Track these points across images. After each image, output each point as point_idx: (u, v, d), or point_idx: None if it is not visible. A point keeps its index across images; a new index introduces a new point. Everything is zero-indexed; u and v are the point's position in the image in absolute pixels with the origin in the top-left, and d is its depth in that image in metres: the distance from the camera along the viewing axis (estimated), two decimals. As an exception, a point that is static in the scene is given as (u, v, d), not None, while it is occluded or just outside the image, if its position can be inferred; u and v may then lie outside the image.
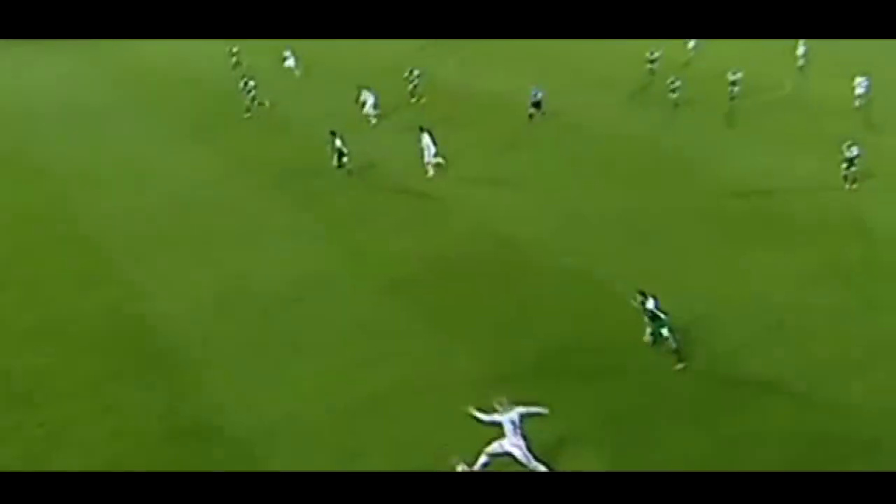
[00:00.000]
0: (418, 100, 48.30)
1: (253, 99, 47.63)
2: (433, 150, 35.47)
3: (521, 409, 17.44)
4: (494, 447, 17.51)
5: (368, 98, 44.88)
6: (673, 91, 45.32)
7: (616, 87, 49.08)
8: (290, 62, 56.80)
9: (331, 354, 23.03)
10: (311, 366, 22.59)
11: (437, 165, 35.64)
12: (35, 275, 28.80)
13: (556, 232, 30.04)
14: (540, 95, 43.70)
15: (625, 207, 31.82)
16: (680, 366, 21.59)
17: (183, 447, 19.64)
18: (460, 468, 17.90)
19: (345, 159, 35.90)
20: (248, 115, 46.95)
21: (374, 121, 44.00)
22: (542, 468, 17.49)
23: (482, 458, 17.63)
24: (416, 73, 49.05)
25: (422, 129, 36.24)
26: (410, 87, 48.66)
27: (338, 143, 35.86)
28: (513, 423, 17.37)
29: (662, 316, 21.83)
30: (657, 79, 48.79)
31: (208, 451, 19.43)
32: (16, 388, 22.15)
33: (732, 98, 45.18)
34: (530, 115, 43.31)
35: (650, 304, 21.98)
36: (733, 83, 45.80)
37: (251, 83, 47.82)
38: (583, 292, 25.54)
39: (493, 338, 23.40)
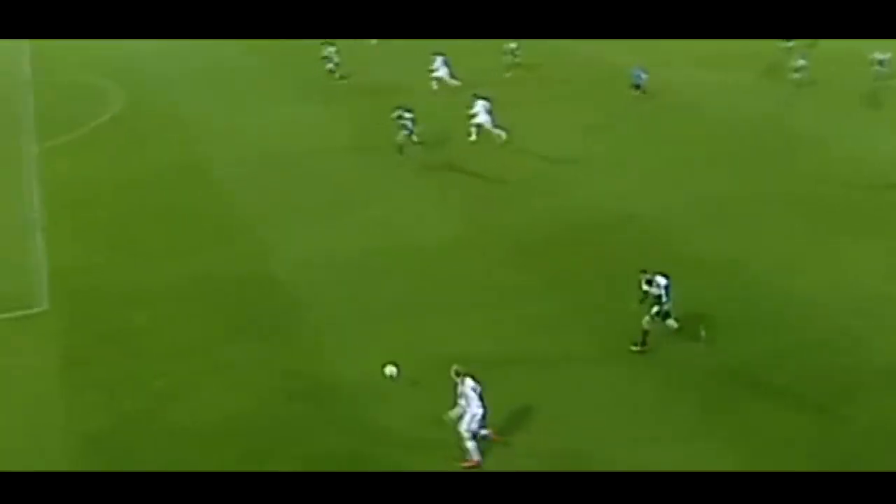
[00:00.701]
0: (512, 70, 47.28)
1: (332, 71, 47.51)
2: (488, 118, 35.73)
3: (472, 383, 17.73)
4: (471, 427, 17.72)
5: (441, 67, 44.37)
6: (797, 71, 43.40)
7: (733, 65, 47.48)
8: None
9: (453, 320, 23.30)
10: (431, 330, 22.81)
11: (476, 129, 36.06)
12: (170, 231, 29.88)
13: (667, 211, 29.51)
14: (644, 78, 42.42)
15: (737, 191, 30.91)
16: (634, 348, 21.34)
17: (300, 404, 20.14)
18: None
19: (413, 137, 35.03)
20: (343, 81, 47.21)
21: (455, 83, 43.53)
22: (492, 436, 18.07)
23: (469, 446, 17.78)
24: (512, 45, 47.52)
25: (476, 96, 36.61)
26: (509, 60, 47.53)
27: (407, 115, 34.95)
28: (472, 389, 17.71)
29: (665, 297, 21.04)
30: (780, 57, 47.05)
31: (325, 410, 19.87)
32: (139, 343, 22.92)
33: (877, 79, 42.28)
34: (635, 92, 42.38)
35: (662, 281, 21.10)
36: (880, 62, 42.68)
37: (331, 49, 47.51)
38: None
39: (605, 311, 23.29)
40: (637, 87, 42.37)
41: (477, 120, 35.93)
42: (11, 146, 38.30)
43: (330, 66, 47.64)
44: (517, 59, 47.29)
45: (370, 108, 41.04)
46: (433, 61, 44.31)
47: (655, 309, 21.12)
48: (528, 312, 23.54)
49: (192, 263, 27.24)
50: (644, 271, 21.30)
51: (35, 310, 24.77)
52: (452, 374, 17.96)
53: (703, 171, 32.99)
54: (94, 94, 46.34)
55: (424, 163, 34.60)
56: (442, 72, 44.17)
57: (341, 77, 47.24)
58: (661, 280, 21.13)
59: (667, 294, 21.09)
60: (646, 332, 21.25)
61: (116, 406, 20.38)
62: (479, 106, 35.99)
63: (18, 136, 39.75)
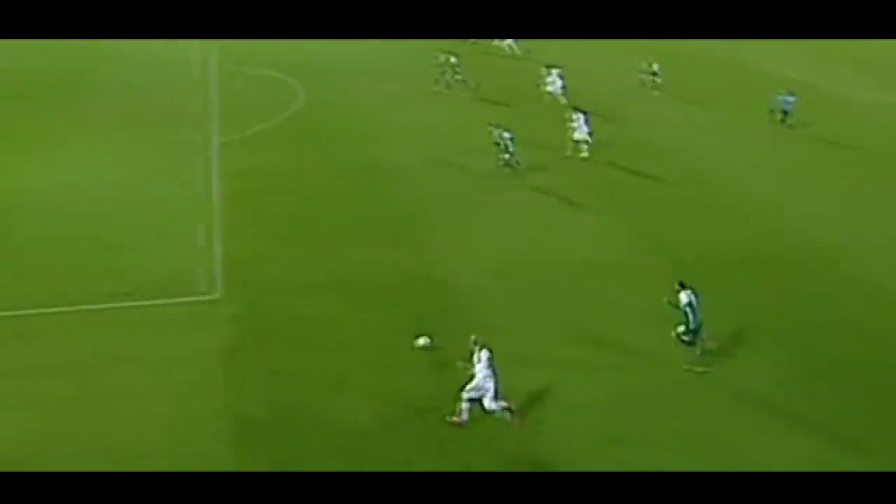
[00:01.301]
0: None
1: (454, 74, 46.90)
2: (586, 129, 36.42)
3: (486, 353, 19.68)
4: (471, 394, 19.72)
5: (555, 81, 44.22)
6: None
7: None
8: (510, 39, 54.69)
9: (610, 341, 23.60)
10: (586, 348, 23.17)
11: (585, 145, 36.67)
12: (338, 225, 31.16)
13: (849, 235, 29.07)
14: (791, 101, 41.03)
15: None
16: (687, 367, 21.86)
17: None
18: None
19: (507, 156, 35.01)
20: (435, 88, 46.84)
21: (563, 101, 42.79)
22: (504, 413, 19.75)
23: (464, 406, 19.71)
24: (654, 66, 46.94)
25: (576, 109, 37.41)
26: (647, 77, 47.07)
27: (505, 135, 34.91)
28: (488, 361, 19.71)
29: (692, 316, 21.58)
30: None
31: (482, 419, 20.08)
32: (305, 334, 23.99)
33: None
34: (781, 120, 41.04)
35: (683, 299, 21.75)
36: None
37: (453, 59, 46.96)
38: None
39: (773, 344, 23.12)
40: (784, 113, 41.07)
41: (576, 136, 36.72)
42: (196, 137, 40.38)
43: (456, 76, 47.09)
44: (658, 80, 46.83)
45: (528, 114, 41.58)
46: (547, 74, 44.73)
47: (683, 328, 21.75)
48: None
49: (363, 260, 28.33)
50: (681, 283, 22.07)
51: (208, 297, 26.31)
52: (471, 342, 19.96)
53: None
54: (277, 90, 48.34)
55: (588, 172, 35.09)
56: (556, 86, 44.14)
57: (464, 82, 46.98)
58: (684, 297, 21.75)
59: (693, 311, 21.59)
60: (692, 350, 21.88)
61: (275, 395, 21.44)
62: (581, 119, 36.70)
63: (203, 127, 41.93)
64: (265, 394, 21.52)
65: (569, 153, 37.08)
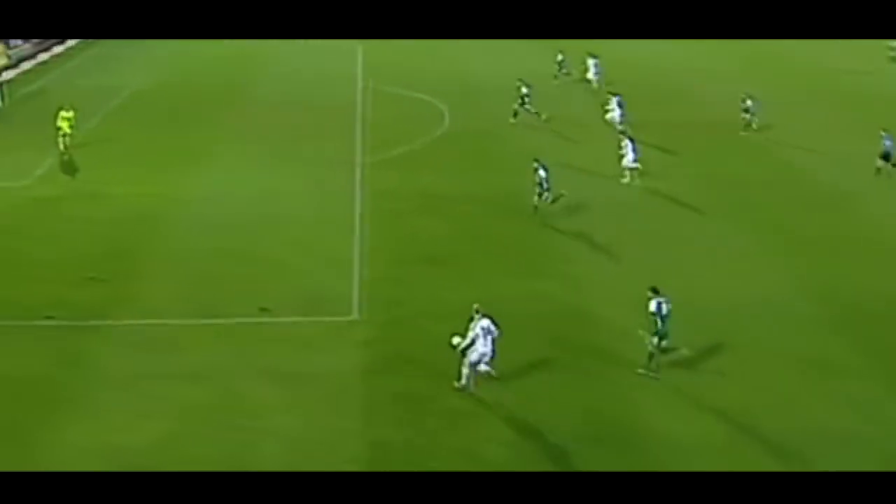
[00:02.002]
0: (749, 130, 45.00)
1: (522, 105, 45.83)
2: (632, 156, 37.07)
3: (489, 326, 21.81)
4: (471, 357, 21.92)
5: (615, 108, 43.81)
6: None
7: None
8: (592, 72, 53.47)
9: (758, 386, 23.07)
10: (733, 392, 22.70)
11: (628, 172, 37.32)
12: (481, 251, 31.35)
13: None
14: (889, 145, 38.68)
15: None
16: (641, 370, 22.90)
17: (600, 449, 20.37)
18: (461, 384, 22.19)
19: (545, 195, 33.86)
20: (512, 120, 45.97)
21: (618, 127, 41.97)
22: (492, 372, 22.15)
23: (465, 371, 21.97)
24: (749, 102, 45.13)
25: (623, 133, 38.55)
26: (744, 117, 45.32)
27: (542, 173, 33.88)
28: (483, 329, 21.91)
29: (660, 323, 22.58)
30: None
31: (626, 458, 20.00)
32: (442, 361, 23.87)
33: None
34: (878, 169, 38.82)
35: (653, 305, 22.71)
36: None
37: (524, 89, 45.86)
38: None
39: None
40: (886, 156, 39.08)
41: (624, 162, 37.18)
42: (344, 155, 41.22)
43: (525, 106, 46.04)
44: (754, 118, 45.24)
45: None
46: (608, 101, 44.50)
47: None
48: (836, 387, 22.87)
49: (506, 288, 28.38)
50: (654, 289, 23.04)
51: (347, 317, 26.83)
52: (473, 310, 22.23)
53: None
54: (424, 111, 48.93)
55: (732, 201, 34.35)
56: (615, 113, 43.72)
57: (536, 113, 46.11)
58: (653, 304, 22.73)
59: (660, 319, 22.58)
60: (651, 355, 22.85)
61: (411, 420, 21.69)
62: (629, 147, 37.20)
63: (350, 145, 42.83)
64: (400, 419, 21.80)
65: (626, 180, 37.43)
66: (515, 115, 45.85)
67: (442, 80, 55.08)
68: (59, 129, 41.75)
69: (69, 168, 40.23)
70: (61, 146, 41.79)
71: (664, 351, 23.21)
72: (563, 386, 23.14)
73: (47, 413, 22.05)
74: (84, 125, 46.47)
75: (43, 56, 66.72)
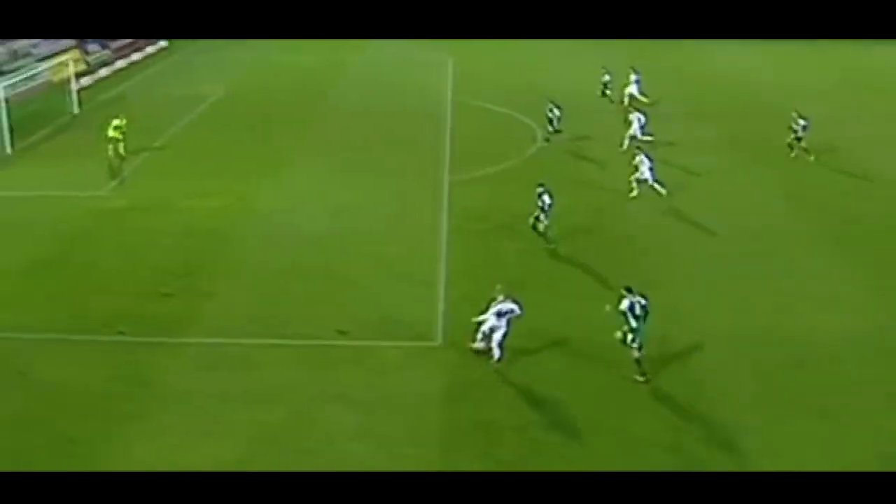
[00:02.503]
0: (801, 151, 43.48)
1: (551, 122, 45.22)
2: (648, 174, 37.47)
3: (505, 307, 24.70)
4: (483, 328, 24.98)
5: (636, 121, 44.01)
6: None
7: None
8: (634, 87, 52.53)
9: (859, 424, 22.60)
10: (834, 431, 22.26)
11: (637, 185, 37.73)
12: (565, 276, 31.15)
13: None
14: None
15: None
16: (640, 378, 24.10)
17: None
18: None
19: (543, 222, 33.38)
20: (545, 143, 45.72)
21: (637, 141, 42.62)
22: (497, 353, 24.75)
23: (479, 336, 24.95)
24: (801, 122, 43.28)
25: (639, 149, 39.29)
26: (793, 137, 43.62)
27: (546, 199, 33.32)
28: (498, 312, 24.74)
29: (633, 321, 23.93)
30: None
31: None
32: (524, 389, 24.11)
33: None
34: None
35: (625, 304, 24.07)
36: None
37: (557, 112, 45.10)
38: None
39: None
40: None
41: (638, 175, 37.67)
42: (429, 171, 41.41)
43: (549, 128, 45.57)
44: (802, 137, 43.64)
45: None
46: (630, 116, 44.92)
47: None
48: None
49: (593, 314, 27.93)
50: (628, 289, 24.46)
51: (428, 342, 26.87)
52: (497, 290, 25.11)
53: None
54: (515, 129, 48.82)
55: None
56: (635, 126, 44.30)
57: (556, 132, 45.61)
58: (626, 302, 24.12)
59: (633, 317, 24.01)
60: (637, 361, 24.28)
61: (491, 451, 21.58)
62: (644, 161, 37.46)
63: (436, 162, 43.05)
64: (480, 448, 21.72)
65: (634, 194, 37.77)
66: (552, 134, 45.63)
67: (534, 97, 54.90)
68: (109, 138, 43.19)
69: (144, 179, 41.07)
70: (111, 152, 43.16)
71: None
72: (646, 417, 22.89)
73: (113, 428, 22.54)
74: (162, 134, 47.61)
75: (120, 63, 68.45)
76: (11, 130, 46.22)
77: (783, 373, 25.08)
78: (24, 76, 55.10)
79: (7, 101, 47.30)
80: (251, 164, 43.11)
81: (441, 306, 28.77)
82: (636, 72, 53.05)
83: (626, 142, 43.89)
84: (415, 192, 38.57)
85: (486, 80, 59.30)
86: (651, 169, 37.73)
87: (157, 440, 22.03)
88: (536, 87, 56.55)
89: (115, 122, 43.67)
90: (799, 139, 43.10)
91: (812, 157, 42.64)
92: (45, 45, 66.10)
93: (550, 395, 23.96)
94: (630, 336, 24.20)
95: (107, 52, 71.36)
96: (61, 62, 59.48)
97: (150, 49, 73.60)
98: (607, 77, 52.84)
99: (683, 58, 68.49)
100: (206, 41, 77.97)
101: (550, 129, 45.40)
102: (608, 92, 50.83)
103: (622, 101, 50.57)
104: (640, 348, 24.27)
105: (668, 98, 54.27)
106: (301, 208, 37.31)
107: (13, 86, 52.05)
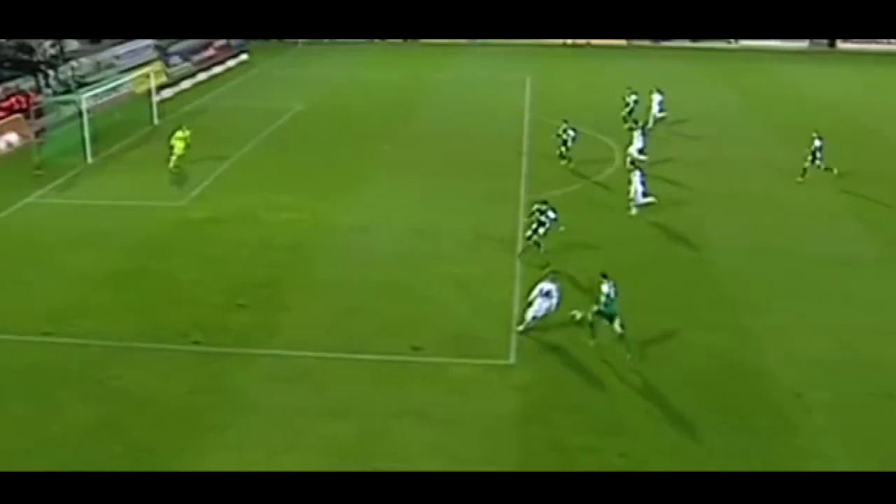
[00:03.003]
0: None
1: (562, 144, 44.92)
2: (641, 189, 38.04)
3: (546, 287, 27.53)
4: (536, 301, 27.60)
5: (637, 141, 44.42)
6: None
7: None
8: (656, 109, 52.36)
9: None
10: None
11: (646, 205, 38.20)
12: (648, 299, 30.65)
13: None
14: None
15: None
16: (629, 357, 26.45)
17: None
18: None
19: (538, 238, 33.57)
20: (563, 163, 44.88)
21: (643, 158, 43.34)
22: (532, 324, 27.71)
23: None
24: (816, 143, 42.54)
25: (633, 163, 40.68)
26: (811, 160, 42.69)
27: (551, 214, 33.58)
28: (540, 290, 27.55)
29: (602, 304, 26.85)
30: None
31: None
32: (600, 413, 24.15)
33: None
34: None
35: (604, 288, 26.91)
36: None
37: (571, 132, 44.87)
38: None
39: None
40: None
41: (630, 189, 38.33)
42: (506, 191, 41.48)
43: (562, 147, 45.26)
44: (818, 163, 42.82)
45: None
46: (633, 133, 45.09)
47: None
48: None
49: (672, 339, 28.18)
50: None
51: (502, 361, 26.91)
52: (546, 272, 28.57)
53: None
54: (592, 149, 48.61)
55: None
56: (635, 145, 44.33)
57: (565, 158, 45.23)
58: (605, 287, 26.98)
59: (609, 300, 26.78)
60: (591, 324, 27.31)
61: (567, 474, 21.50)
62: (637, 178, 38.42)
63: (514, 181, 43.13)
64: (555, 470, 21.59)
65: (632, 213, 38.09)
66: (562, 157, 45.17)
67: (610, 115, 54.86)
68: (171, 147, 44.26)
69: (223, 191, 41.71)
70: (171, 164, 44.07)
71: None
72: (736, 447, 22.63)
73: (189, 439, 22.94)
74: (241, 147, 48.37)
75: (201, 76, 69.60)
76: (94, 140, 47.32)
77: (867, 402, 24.74)
78: (107, 87, 56.41)
79: (90, 111, 48.45)
80: (328, 179, 43.60)
81: (516, 325, 28.82)
82: (660, 92, 52.98)
83: (636, 158, 43.50)
84: (493, 213, 38.63)
85: (565, 99, 59.19)
86: (643, 184, 38.00)
87: (232, 452, 22.32)
88: (616, 105, 56.41)
89: (179, 133, 44.69)
90: (815, 160, 42.38)
91: (835, 171, 42.36)
92: (128, 58, 67.66)
93: (628, 419, 23.92)
94: (600, 314, 26.92)
95: (188, 64, 72.74)
96: (143, 74, 60.78)
97: (230, 63, 74.84)
98: (634, 97, 52.32)
99: (762, 77, 68.25)
100: (287, 56, 79.49)
101: (564, 149, 44.90)
102: (632, 114, 50.31)
103: (646, 123, 49.88)
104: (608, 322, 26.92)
105: (757, 119, 53.97)
106: (378, 225, 37.59)
107: (96, 97, 53.39)
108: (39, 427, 23.59)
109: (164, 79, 65.67)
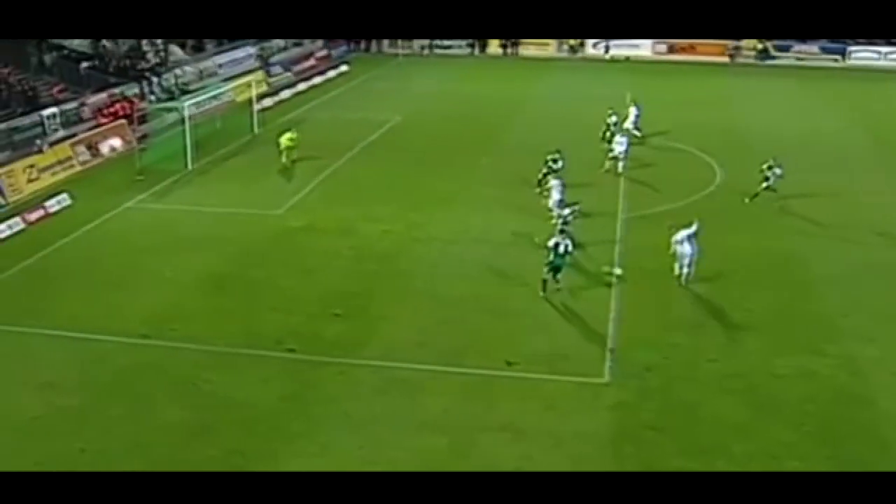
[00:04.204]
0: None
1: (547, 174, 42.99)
2: (557, 197, 38.31)
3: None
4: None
5: (619, 146, 45.85)
6: None
7: None
8: (632, 121, 51.77)
9: None
10: None
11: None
12: (753, 322, 30.42)
13: None
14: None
15: None
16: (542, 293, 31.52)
17: None
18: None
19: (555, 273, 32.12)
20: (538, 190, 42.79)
21: (620, 168, 45.65)
22: (686, 270, 32.26)
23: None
24: (777, 171, 41.22)
25: (551, 170, 41.75)
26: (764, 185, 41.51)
27: (566, 244, 32.10)
28: (681, 239, 32.20)
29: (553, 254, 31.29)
30: None
31: None
32: (698, 436, 23.94)
33: None
34: None
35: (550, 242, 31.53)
36: None
37: (559, 163, 43.14)
38: None
39: None
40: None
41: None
42: (603, 207, 41.27)
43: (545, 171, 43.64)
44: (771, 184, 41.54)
45: None
46: (613, 146, 46.09)
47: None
48: None
49: (773, 363, 27.68)
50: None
51: (596, 379, 26.79)
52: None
53: None
54: (693, 166, 48.24)
55: None
56: (621, 148, 45.88)
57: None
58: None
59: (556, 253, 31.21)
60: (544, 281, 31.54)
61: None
62: (555, 185, 39.04)
63: (612, 197, 43.02)
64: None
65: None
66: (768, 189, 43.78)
67: (712, 133, 54.29)
68: (279, 144, 47.76)
69: (320, 201, 42.25)
70: (284, 159, 47.20)
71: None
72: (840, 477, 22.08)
73: (276, 445, 23.33)
74: (338, 158, 49.00)
75: (301, 86, 70.62)
76: (195, 147, 48.34)
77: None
78: (209, 95, 57.56)
79: (192, 118, 49.49)
80: (424, 191, 43.94)
81: (610, 343, 28.69)
82: (636, 105, 52.72)
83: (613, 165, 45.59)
84: (588, 229, 38.40)
85: (666, 116, 58.69)
86: (561, 198, 38.08)
87: (321, 460, 22.60)
88: (720, 123, 55.95)
89: (288, 134, 47.69)
90: (768, 187, 41.31)
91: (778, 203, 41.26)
92: (230, 66, 69.00)
93: (722, 444, 23.57)
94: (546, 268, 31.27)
95: (289, 74, 73.90)
96: (245, 83, 61.91)
97: (331, 73, 75.85)
98: (614, 118, 50.95)
99: (875, 96, 66.95)
100: (387, 68, 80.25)
101: (543, 174, 43.11)
102: (608, 134, 49.08)
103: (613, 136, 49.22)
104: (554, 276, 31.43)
105: (871, 142, 53.08)
106: (472, 238, 37.74)
107: (198, 104, 54.49)
108: (135, 428, 24.22)
109: (264, 88, 66.81)
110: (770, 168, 41.40)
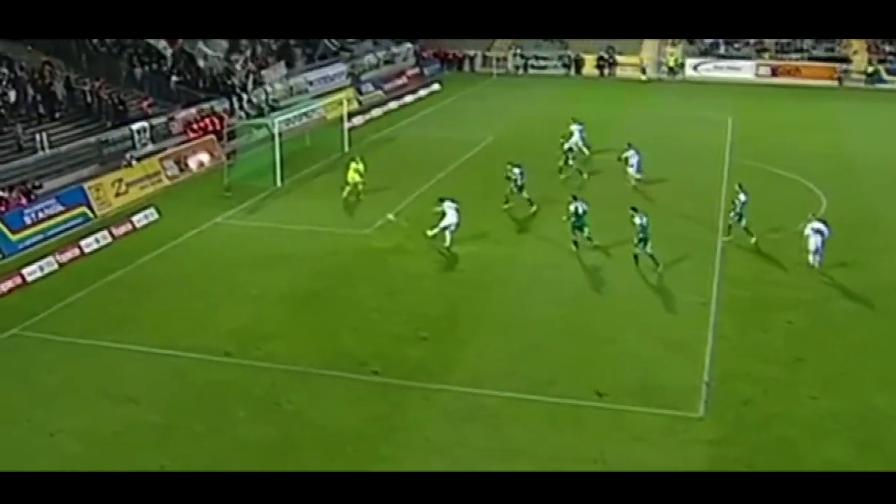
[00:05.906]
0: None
1: (514, 191, 43.91)
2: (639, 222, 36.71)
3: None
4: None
5: (633, 157, 47.36)
6: None
7: None
8: (577, 137, 52.66)
9: None
10: None
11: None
12: (847, 358, 29.84)
13: None
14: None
15: None
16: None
17: None
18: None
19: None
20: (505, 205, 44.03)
21: (633, 180, 47.22)
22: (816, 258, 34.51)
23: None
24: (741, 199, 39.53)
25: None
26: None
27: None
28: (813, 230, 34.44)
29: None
30: None
31: None
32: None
33: None
34: None
35: (638, 219, 35.52)
36: None
37: (516, 171, 43.96)
38: None
39: None
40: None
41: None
42: (701, 234, 40.83)
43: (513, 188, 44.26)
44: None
45: None
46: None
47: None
48: None
49: (879, 402, 27.02)
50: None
51: (690, 413, 26.39)
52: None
53: None
54: (797, 190, 47.50)
55: None
56: (633, 162, 47.90)
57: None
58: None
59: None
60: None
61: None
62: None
63: (711, 223, 42.35)
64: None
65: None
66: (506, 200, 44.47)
67: (818, 160, 53.43)
68: (346, 176, 46.19)
69: (409, 220, 42.31)
70: (345, 194, 45.72)
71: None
72: None
73: (356, 467, 23.24)
74: (429, 178, 49.15)
75: (392, 104, 71.22)
76: (283, 164, 48.94)
77: None
78: (299, 112, 58.36)
79: (281, 135, 50.15)
80: (514, 213, 43.86)
81: (706, 377, 28.28)
82: (578, 123, 53.10)
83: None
84: (686, 256, 38.02)
85: (770, 141, 57.98)
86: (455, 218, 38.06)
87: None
88: (826, 149, 55.02)
89: (354, 164, 46.31)
90: (740, 218, 39.69)
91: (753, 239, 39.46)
92: (320, 84, 69.88)
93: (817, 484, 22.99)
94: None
95: (380, 92, 74.60)
96: (335, 100, 62.63)
97: (422, 92, 76.46)
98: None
99: None
100: (479, 87, 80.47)
101: (511, 192, 44.24)
102: (571, 161, 50.55)
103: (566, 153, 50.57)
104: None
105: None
106: (563, 263, 37.53)
107: (288, 121, 55.27)
108: (216, 446, 24.55)
109: (355, 105, 67.49)
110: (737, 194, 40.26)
